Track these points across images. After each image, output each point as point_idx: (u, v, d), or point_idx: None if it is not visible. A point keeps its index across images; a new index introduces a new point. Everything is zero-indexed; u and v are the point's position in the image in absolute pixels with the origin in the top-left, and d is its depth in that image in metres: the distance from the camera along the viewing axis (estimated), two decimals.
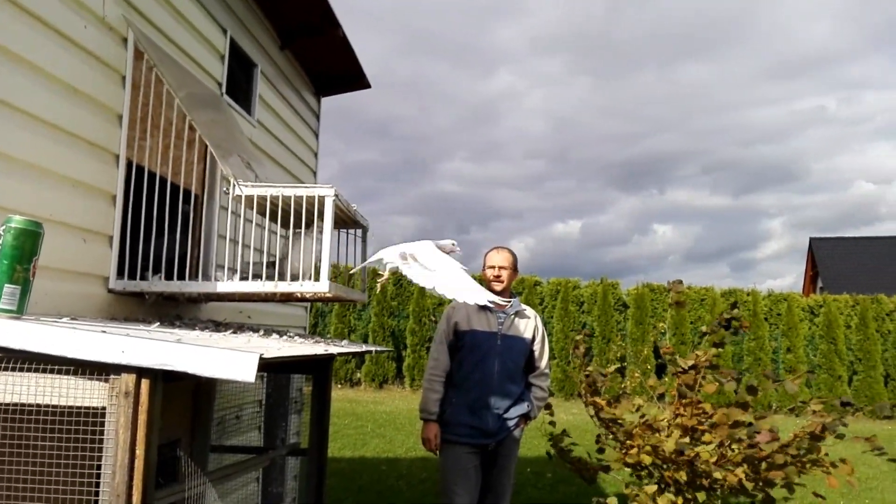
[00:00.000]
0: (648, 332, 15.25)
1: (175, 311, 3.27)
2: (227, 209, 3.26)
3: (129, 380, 1.58)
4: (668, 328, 15.40)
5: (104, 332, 1.62)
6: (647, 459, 3.78)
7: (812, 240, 33.27)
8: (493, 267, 3.84)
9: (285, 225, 2.92)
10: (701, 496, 3.71)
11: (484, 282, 3.89)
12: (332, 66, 5.59)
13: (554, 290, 16.22)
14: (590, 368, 4.17)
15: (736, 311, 4.01)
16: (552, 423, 4.16)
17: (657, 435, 3.80)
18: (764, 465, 3.58)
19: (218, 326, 3.07)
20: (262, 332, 3.16)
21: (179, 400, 3.19)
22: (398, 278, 16.14)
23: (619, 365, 4.36)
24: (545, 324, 15.99)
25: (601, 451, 4.11)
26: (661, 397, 4.41)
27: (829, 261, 31.33)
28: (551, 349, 15.79)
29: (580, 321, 15.97)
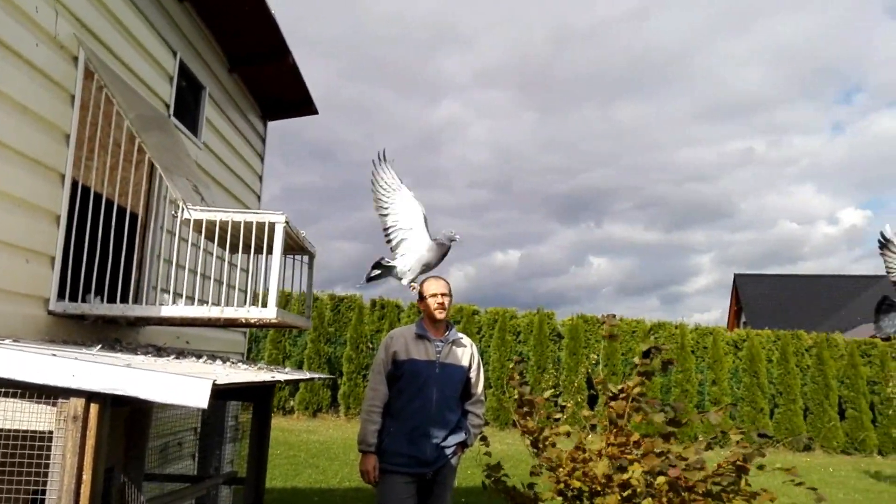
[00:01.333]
0: (582, 362, 15.52)
1: (114, 335, 3.20)
2: (172, 232, 3.23)
3: (77, 404, 1.56)
4: (600, 359, 15.72)
5: (55, 355, 1.60)
6: (577, 483, 3.88)
7: (736, 276, 34.65)
8: (436, 295, 3.88)
9: (233, 250, 2.92)
10: None
11: (426, 311, 3.93)
12: (280, 92, 5.60)
13: (492, 319, 16.37)
14: (524, 390, 4.27)
15: (651, 339, 4.19)
16: (488, 455, 4.22)
17: (589, 463, 3.90)
18: (688, 495, 3.72)
19: (159, 351, 3.02)
20: (204, 358, 3.13)
21: (114, 427, 3.11)
22: (335, 304, 16.00)
23: (553, 391, 4.46)
24: (482, 353, 16.10)
25: (532, 475, 4.19)
26: (593, 428, 4.53)
27: (751, 297, 32.66)
28: (487, 378, 15.91)
29: (516, 350, 16.14)
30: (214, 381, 1.64)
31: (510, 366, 4.45)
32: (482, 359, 17.40)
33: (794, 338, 16.56)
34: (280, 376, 2.67)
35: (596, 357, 15.67)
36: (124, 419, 3.27)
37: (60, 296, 2.73)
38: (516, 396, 4.23)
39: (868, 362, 16.57)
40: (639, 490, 3.73)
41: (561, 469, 3.96)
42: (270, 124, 6.10)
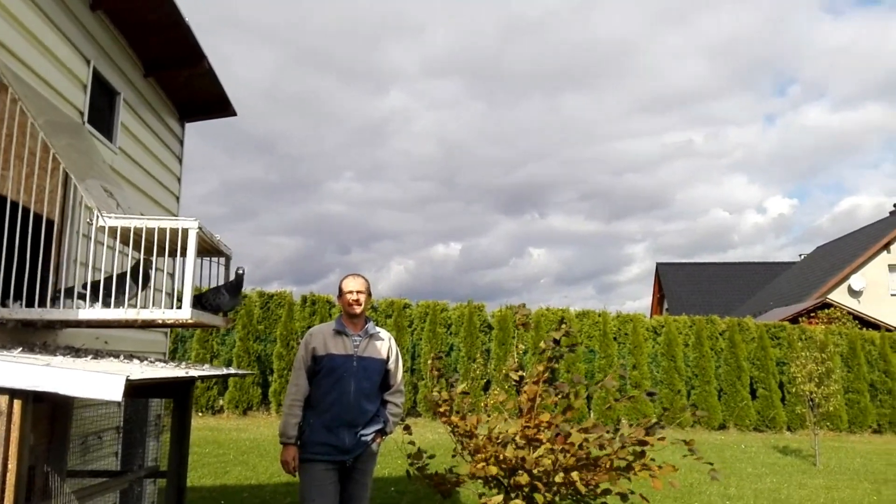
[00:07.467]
0: (510, 351, 15.98)
1: (32, 338, 3.30)
2: (88, 237, 3.34)
3: (2, 400, 1.73)
4: (528, 347, 16.21)
5: None
6: (493, 470, 4.18)
7: (658, 265, 36.00)
8: (351, 292, 4.12)
9: (149, 253, 3.06)
10: (539, 498, 4.14)
11: (343, 306, 4.16)
12: (197, 95, 5.67)
13: (423, 312, 16.67)
14: (438, 391, 4.54)
15: (564, 326, 4.53)
16: (412, 444, 4.47)
17: (500, 448, 4.20)
18: (593, 472, 4.05)
19: (77, 352, 3.14)
20: (122, 358, 3.26)
21: (36, 425, 3.21)
22: (265, 301, 15.93)
23: (465, 387, 4.75)
24: (413, 346, 16.29)
25: (454, 457, 4.46)
26: (521, 413, 4.83)
27: (672, 284, 34.03)
28: (419, 370, 16.18)
29: (448, 342, 16.49)
30: (128, 376, 1.83)
31: (435, 363, 4.72)
32: (415, 351, 17.39)
33: (708, 323, 17.44)
34: (194, 372, 2.85)
35: (523, 346, 16.16)
36: (47, 417, 3.37)
37: None
38: (436, 394, 4.51)
39: (777, 344, 17.63)
40: (548, 468, 4.05)
41: (479, 455, 4.25)
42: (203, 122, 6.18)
